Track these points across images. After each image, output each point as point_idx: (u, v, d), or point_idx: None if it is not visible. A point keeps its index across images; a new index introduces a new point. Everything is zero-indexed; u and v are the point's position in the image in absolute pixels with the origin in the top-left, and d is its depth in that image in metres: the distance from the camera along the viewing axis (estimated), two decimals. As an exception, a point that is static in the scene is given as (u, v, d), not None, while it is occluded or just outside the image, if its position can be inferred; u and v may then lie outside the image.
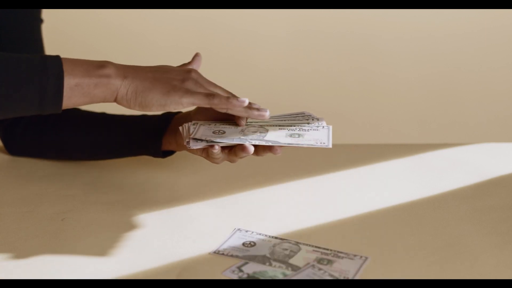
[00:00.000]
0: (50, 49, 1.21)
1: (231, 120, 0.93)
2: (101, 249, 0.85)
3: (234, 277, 0.78)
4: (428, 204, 0.99)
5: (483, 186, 1.05)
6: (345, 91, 2.23)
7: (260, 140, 0.89)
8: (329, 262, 0.81)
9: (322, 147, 0.89)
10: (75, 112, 1.13)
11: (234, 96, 0.89)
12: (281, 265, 0.81)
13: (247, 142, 0.88)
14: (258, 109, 0.90)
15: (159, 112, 1.02)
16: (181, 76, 0.90)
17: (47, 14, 1.21)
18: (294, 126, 0.92)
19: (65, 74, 0.85)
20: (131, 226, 0.91)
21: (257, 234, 0.88)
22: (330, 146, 0.89)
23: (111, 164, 1.13)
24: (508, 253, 0.84)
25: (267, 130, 0.91)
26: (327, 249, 0.84)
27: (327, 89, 2.22)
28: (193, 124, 0.92)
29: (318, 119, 0.94)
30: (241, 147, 0.88)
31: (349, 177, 1.10)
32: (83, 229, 0.91)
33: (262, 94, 2.16)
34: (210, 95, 0.88)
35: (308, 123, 0.93)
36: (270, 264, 0.81)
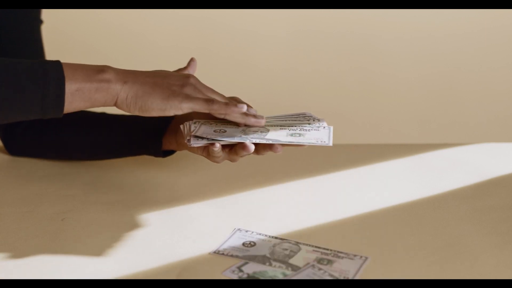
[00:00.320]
0: (50, 49, 1.21)
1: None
2: (101, 249, 0.85)
3: (234, 277, 0.78)
4: (428, 204, 0.99)
5: (483, 186, 1.05)
6: (345, 91, 2.23)
7: (261, 138, 0.89)
8: (329, 262, 0.81)
9: (322, 145, 0.89)
10: (75, 112, 1.12)
11: (232, 102, 0.90)
12: (281, 265, 0.81)
13: (248, 141, 0.89)
14: (255, 116, 0.91)
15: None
16: (180, 82, 0.91)
17: (47, 14, 1.21)
18: (295, 126, 0.93)
19: (66, 79, 0.86)
20: (131, 226, 0.91)
21: (257, 234, 0.88)
22: (331, 144, 0.89)
23: (111, 164, 1.13)
24: (508, 253, 0.84)
25: (268, 130, 0.91)
26: (327, 249, 0.84)
27: (327, 89, 2.22)
28: (194, 123, 0.93)
29: (319, 120, 0.94)
30: (241, 146, 0.89)
31: (349, 177, 1.10)
32: (83, 229, 0.91)
33: (262, 94, 2.16)
34: (209, 101, 0.89)
35: (309, 123, 0.93)
36: (270, 264, 0.81)
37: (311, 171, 1.11)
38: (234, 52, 2.19)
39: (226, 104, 0.89)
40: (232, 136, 0.89)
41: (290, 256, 0.82)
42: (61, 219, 0.93)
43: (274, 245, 0.85)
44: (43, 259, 0.83)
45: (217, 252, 0.84)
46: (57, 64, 0.87)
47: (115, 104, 0.89)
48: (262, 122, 0.91)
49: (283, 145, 0.90)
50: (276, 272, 0.79)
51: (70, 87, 0.86)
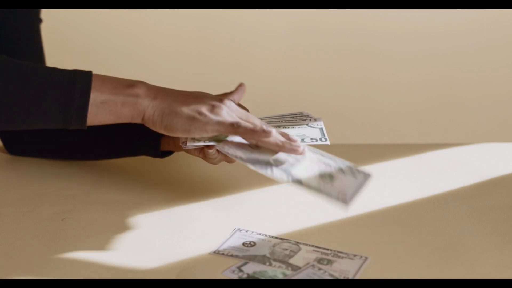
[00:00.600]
0: (50, 49, 1.21)
1: None
2: (101, 249, 0.85)
3: (234, 277, 0.78)
4: (428, 204, 0.99)
5: (483, 186, 1.05)
6: (345, 91, 2.23)
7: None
8: (329, 262, 0.81)
9: (320, 144, 0.89)
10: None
11: (260, 127, 0.86)
12: (281, 265, 0.81)
13: (243, 141, 0.88)
14: (290, 143, 0.86)
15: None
16: (211, 103, 0.88)
17: (47, 14, 1.21)
18: (326, 166, 0.87)
19: (92, 90, 0.85)
20: (131, 226, 0.91)
21: (257, 234, 0.88)
22: (328, 142, 0.89)
23: (111, 164, 1.13)
24: (508, 253, 0.84)
25: None
26: (327, 249, 0.84)
27: (327, 89, 2.23)
28: None
29: (315, 120, 0.94)
30: None
31: (349, 177, 1.10)
32: (83, 229, 0.91)
33: (262, 94, 2.16)
34: (236, 124, 0.86)
35: (306, 123, 0.93)
36: (270, 264, 0.81)
37: (311, 171, 1.11)
38: (234, 52, 2.19)
39: (253, 128, 0.85)
40: (227, 137, 0.89)
41: (290, 256, 0.83)
42: (61, 219, 0.93)
43: (274, 245, 0.85)
44: (43, 259, 0.83)
45: (217, 252, 0.84)
46: (87, 74, 0.85)
47: (142, 120, 0.88)
48: (300, 149, 0.86)
49: None
50: (276, 272, 0.79)
51: (96, 99, 0.85)
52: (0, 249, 0.84)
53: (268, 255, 0.83)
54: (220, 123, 0.86)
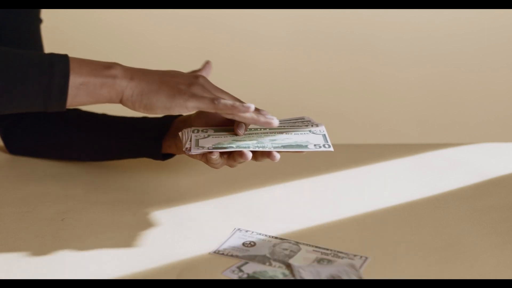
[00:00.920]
0: (49, 49, 1.21)
1: (231, 125, 0.93)
2: (101, 249, 0.85)
3: (234, 277, 0.78)
4: (428, 204, 0.99)
5: (483, 186, 1.05)
6: (345, 91, 2.23)
7: (258, 146, 0.88)
8: (329, 262, 0.81)
9: (322, 150, 0.89)
10: (76, 113, 1.13)
11: (239, 102, 0.88)
12: (281, 265, 0.81)
13: (246, 149, 0.88)
14: (265, 116, 0.89)
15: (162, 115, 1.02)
16: (188, 81, 0.89)
17: (46, 14, 1.21)
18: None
19: (71, 72, 0.85)
20: (131, 226, 0.91)
21: (257, 234, 0.88)
22: (332, 149, 0.89)
23: (111, 164, 1.13)
24: (508, 253, 0.84)
25: (266, 137, 0.91)
26: (327, 249, 0.84)
27: (327, 89, 2.22)
28: (193, 131, 0.92)
29: (317, 125, 0.94)
30: (239, 153, 0.88)
31: (349, 177, 1.10)
32: (83, 229, 0.91)
33: (262, 94, 2.16)
34: (216, 100, 0.87)
35: (307, 129, 0.93)
36: (270, 264, 0.81)
37: (311, 171, 1.11)
38: (234, 52, 2.19)
39: (233, 103, 0.87)
40: (230, 144, 0.89)
41: (290, 256, 0.82)
42: (61, 219, 0.93)
43: (274, 245, 0.85)
44: (43, 259, 0.83)
45: (217, 252, 0.84)
46: (64, 57, 0.86)
47: (121, 101, 0.89)
48: (274, 122, 0.89)
49: (280, 152, 0.90)
50: (276, 272, 0.79)
51: (75, 81, 0.86)
52: (0, 249, 0.84)
53: (268, 255, 0.83)
54: (200, 100, 0.87)
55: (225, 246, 0.85)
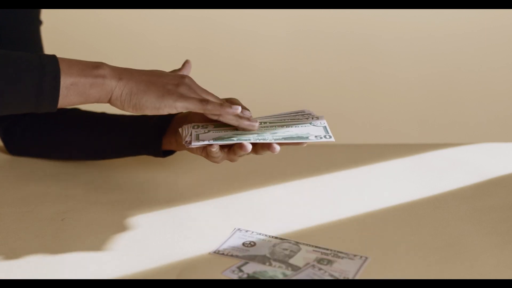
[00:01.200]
0: (49, 50, 1.21)
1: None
2: (101, 249, 0.85)
3: (234, 277, 0.78)
4: (428, 204, 0.99)
5: (483, 186, 1.05)
6: (345, 91, 2.23)
7: (258, 138, 0.89)
8: (329, 262, 0.81)
9: (324, 141, 0.89)
10: (76, 112, 1.13)
11: (226, 104, 0.90)
12: (281, 265, 0.81)
13: (245, 141, 0.89)
14: (248, 119, 0.91)
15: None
16: (175, 81, 0.90)
17: (46, 14, 1.21)
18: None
19: (61, 73, 0.86)
20: (131, 226, 0.91)
21: (257, 234, 0.88)
22: (333, 139, 0.89)
23: (111, 164, 1.13)
24: (508, 253, 0.84)
25: (266, 129, 0.91)
26: (327, 249, 0.84)
27: (327, 89, 2.22)
28: (193, 127, 0.93)
29: (318, 118, 0.94)
30: (239, 145, 0.89)
31: (349, 177, 1.10)
32: (83, 229, 0.91)
33: (262, 94, 2.16)
34: (204, 101, 0.89)
35: (308, 121, 0.93)
36: (270, 264, 0.81)
37: (311, 171, 1.11)
38: (234, 52, 2.19)
39: (220, 105, 0.89)
40: (230, 137, 0.90)
41: (290, 256, 0.82)
42: (61, 219, 0.93)
43: (274, 245, 0.85)
44: (43, 259, 0.83)
45: (217, 252, 0.84)
46: (53, 58, 0.86)
47: (109, 101, 0.89)
48: (256, 126, 0.91)
49: (281, 144, 0.90)
50: (276, 272, 0.79)
51: (65, 81, 0.86)
52: (0, 249, 0.84)
53: (268, 255, 0.83)
54: (189, 100, 0.88)
55: (225, 246, 0.85)
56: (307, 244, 0.85)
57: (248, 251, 0.84)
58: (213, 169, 1.07)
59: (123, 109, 0.90)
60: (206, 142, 0.89)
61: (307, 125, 0.92)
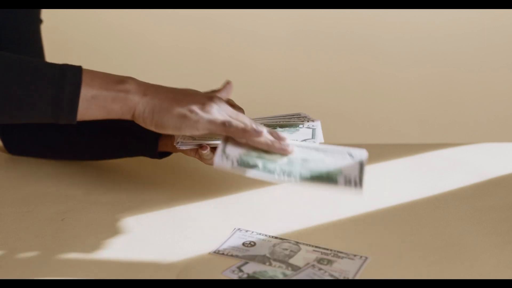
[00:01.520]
0: (49, 49, 1.21)
1: None
2: (101, 249, 0.85)
3: (234, 277, 0.78)
4: (428, 204, 0.99)
5: (483, 186, 1.05)
6: (345, 91, 2.23)
7: (286, 174, 0.87)
8: (329, 262, 0.81)
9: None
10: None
11: (251, 128, 0.86)
12: (281, 265, 0.81)
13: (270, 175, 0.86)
14: (279, 142, 0.86)
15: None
16: (201, 101, 0.87)
17: (46, 14, 1.21)
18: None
19: (83, 85, 0.84)
20: (131, 226, 0.91)
21: (257, 234, 0.88)
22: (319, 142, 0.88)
23: (111, 164, 1.13)
24: (508, 253, 0.84)
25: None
26: (327, 249, 0.84)
27: (327, 89, 2.23)
28: None
29: (313, 121, 0.94)
30: None
31: (349, 177, 1.10)
32: (83, 229, 0.91)
33: (262, 94, 2.16)
34: (227, 123, 0.85)
35: (302, 124, 0.92)
36: (270, 264, 0.81)
37: (311, 171, 1.11)
38: (234, 52, 2.19)
39: (243, 130, 0.85)
40: (218, 138, 0.89)
41: (290, 256, 0.82)
42: (61, 219, 0.93)
43: (274, 245, 0.85)
44: (43, 259, 0.83)
45: (217, 252, 0.84)
46: (77, 68, 0.85)
47: (132, 117, 0.87)
48: (289, 149, 0.85)
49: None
50: (276, 272, 0.79)
51: (86, 93, 0.84)
52: (0, 249, 0.84)
53: (268, 255, 0.83)
54: (211, 122, 0.86)
55: (225, 246, 0.85)
56: (307, 244, 0.85)
57: (248, 251, 0.84)
58: (213, 169, 1.07)
59: (145, 126, 0.87)
60: (194, 144, 0.88)
61: (299, 129, 0.91)
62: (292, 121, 0.94)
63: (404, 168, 1.14)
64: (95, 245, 0.86)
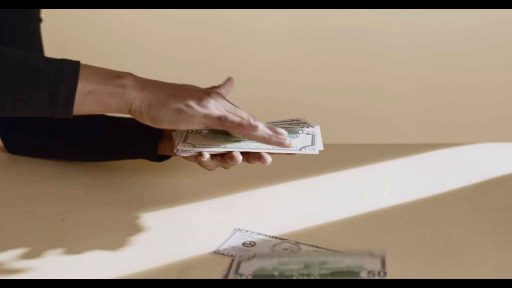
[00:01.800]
0: (49, 49, 1.21)
1: None
2: (101, 249, 0.85)
3: (234, 277, 0.78)
4: (428, 204, 0.99)
5: (483, 186, 1.05)
6: (345, 91, 2.23)
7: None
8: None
9: (309, 153, 0.88)
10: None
11: (247, 122, 0.85)
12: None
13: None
14: (277, 136, 0.86)
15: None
16: (198, 96, 0.87)
17: (46, 14, 1.21)
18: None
19: (80, 79, 0.84)
20: (131, 226, 0.91)
21: (257, 234, 0.88)
22: (317, 152, 0.88)
23: (111, 164, 1.13)
24: (508, 253, 0.84)
25: None
26: (327, 249, 0.84)
27: (327, 89, 2.22)
28: (188, 132, 0.92)
29: (312, 127, 0.93)
30: (229, 156, 0.88)
31: (349, 177, 1.10)
32: (83, 229, 0.91)
33: (262, 94, 2.16)
34: (223, 117, 0.85)
35: (302, 130, 0.92)
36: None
37: (311, 171, 1.11)
38: (234, 52, 2.19)
39: (239, 124, 0.85)
40: (218, 145, 0.89)
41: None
42: (61, 219, 0.93)
43: (274, 245, 0.85)
44: (43, 259, 0.83)
45: (217, 252, 0.84)
46: (75, 63, 0.85)
47: (129, 112, 0.87)
48: (287, 142, 0.86)
49: (272, 154, 0.89)
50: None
51: (83, 88, 0.84)
52: (0, 249, 0.84)
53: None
54: (207, 116, 0.85)
55: (225, 246, 0.85)
56: (307, 244, 0.85)
57: (248, 251, 0.84)
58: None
59: (142, 121, 0.87)
60: (193, 151, 0.88)
61: (298, 135, 0.91)
62: (291, 127, 0.93)
63: (404, 168, 1.14)
64: (95, 245, 0.86)
